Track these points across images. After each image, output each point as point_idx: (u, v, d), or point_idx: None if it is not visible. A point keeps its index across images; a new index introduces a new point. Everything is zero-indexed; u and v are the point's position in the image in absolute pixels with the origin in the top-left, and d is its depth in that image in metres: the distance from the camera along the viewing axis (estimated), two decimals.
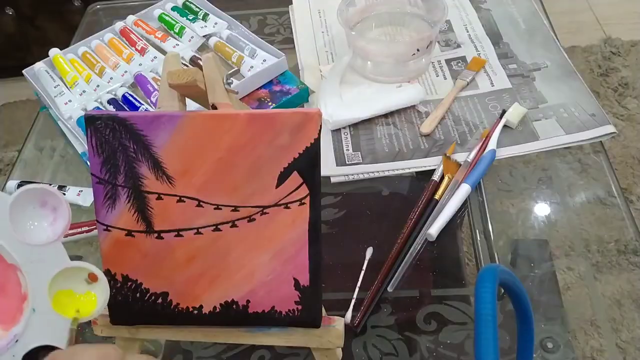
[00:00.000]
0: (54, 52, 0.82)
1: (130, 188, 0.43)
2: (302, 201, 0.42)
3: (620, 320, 0.81)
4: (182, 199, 0.43)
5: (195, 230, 0.43)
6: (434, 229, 0.60)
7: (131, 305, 0.44)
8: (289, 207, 0.42)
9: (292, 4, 0.92)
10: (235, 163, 0.42)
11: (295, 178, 0.42)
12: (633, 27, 1.90)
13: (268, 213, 0.42)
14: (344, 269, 0.59)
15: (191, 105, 0.57)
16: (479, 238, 0.62)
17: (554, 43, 0.80)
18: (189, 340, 0.51)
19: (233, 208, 0.43)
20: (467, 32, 0.83)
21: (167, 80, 0.45)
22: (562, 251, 0.61)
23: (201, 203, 0.43)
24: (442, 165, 0.65)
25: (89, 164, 0.44)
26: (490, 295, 0.30)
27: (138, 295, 0.44)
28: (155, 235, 0.43)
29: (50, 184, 0.67)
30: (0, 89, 2.00)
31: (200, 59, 0.78)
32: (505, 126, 0.69)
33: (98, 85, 0.77)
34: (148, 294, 0.44)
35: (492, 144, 0.66)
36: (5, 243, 0.38)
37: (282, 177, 0.42)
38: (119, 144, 0.43)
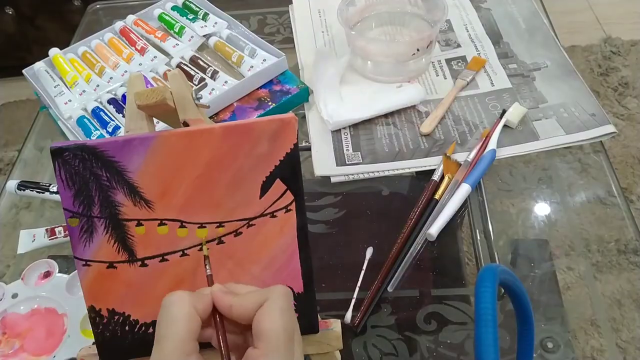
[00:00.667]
0: (53, 51, 0.82)
1: (107, 218, 0.41)
2: (288, 208, 0.41)
3: (621, 320, 0.81)
4: (164, 222, 0.41)
5: (181, 253, 0.42)
6: (434, 228, 0.60)
7: (121, 339, 0.42)
8: (275, 216, 0.41)
9: (292, 3, 0.92)
10: (215, 178, 0.41)
11: (278, 186, 0.41)
12: (633, 27, 1.90)
13: (254, 225, 0.42)
14: (344, 269, 0.59)
15: (159, 124, 0.56)
16: (479, 238, 0.62)
17: (554, 43, 0.80)
18: None
19: (218, 224, 0.41)
20: (467, 31, 0.83)
21: (134, 102, 0.43)
22: (562, 251, 0.61)
23: (184, 224, 0.41)
24: (442, 165, 0.65)
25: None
26: (490, 294, 0.30)
27: (127, 328, 0.42)
28: (139, 263, 0.42)
29: (50, 184, 0.67)
30: (1, 88, 2.00)
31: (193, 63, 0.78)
32: (505, 126, 0.69)
33: (98, 85, 0.77)
34: (138, 325, 0.42)
35: (492, 144, 0.66)
36: (62, 301, 0.58)
37: (265, 187, 0.41)
38: (90, 173, 0.41)
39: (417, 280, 0.58)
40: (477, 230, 0.63)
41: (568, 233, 0.62)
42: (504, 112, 0.69)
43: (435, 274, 0.59)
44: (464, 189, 0.62)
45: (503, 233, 0.63)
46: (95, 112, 0.73)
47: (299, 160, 0.41)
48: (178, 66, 0.78)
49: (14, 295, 0.58)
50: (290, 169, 0.41)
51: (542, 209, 0.65)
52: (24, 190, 0.67)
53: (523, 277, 0.58)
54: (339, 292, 0.57)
